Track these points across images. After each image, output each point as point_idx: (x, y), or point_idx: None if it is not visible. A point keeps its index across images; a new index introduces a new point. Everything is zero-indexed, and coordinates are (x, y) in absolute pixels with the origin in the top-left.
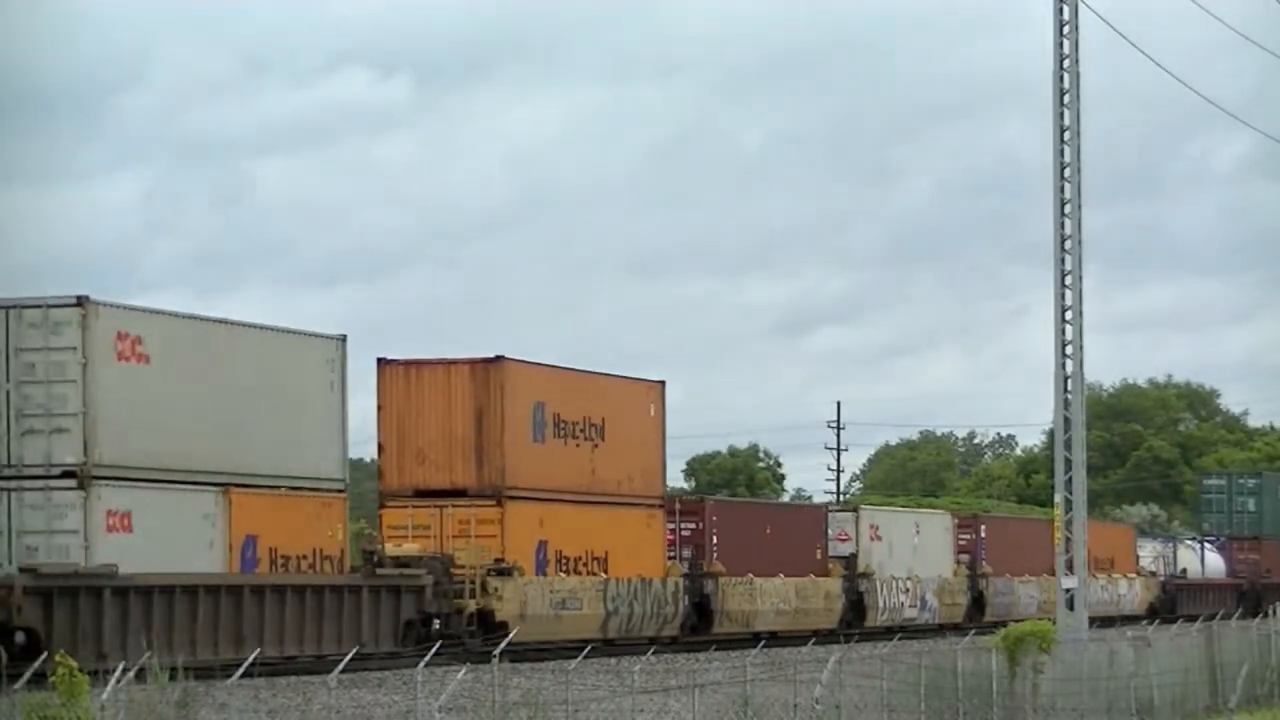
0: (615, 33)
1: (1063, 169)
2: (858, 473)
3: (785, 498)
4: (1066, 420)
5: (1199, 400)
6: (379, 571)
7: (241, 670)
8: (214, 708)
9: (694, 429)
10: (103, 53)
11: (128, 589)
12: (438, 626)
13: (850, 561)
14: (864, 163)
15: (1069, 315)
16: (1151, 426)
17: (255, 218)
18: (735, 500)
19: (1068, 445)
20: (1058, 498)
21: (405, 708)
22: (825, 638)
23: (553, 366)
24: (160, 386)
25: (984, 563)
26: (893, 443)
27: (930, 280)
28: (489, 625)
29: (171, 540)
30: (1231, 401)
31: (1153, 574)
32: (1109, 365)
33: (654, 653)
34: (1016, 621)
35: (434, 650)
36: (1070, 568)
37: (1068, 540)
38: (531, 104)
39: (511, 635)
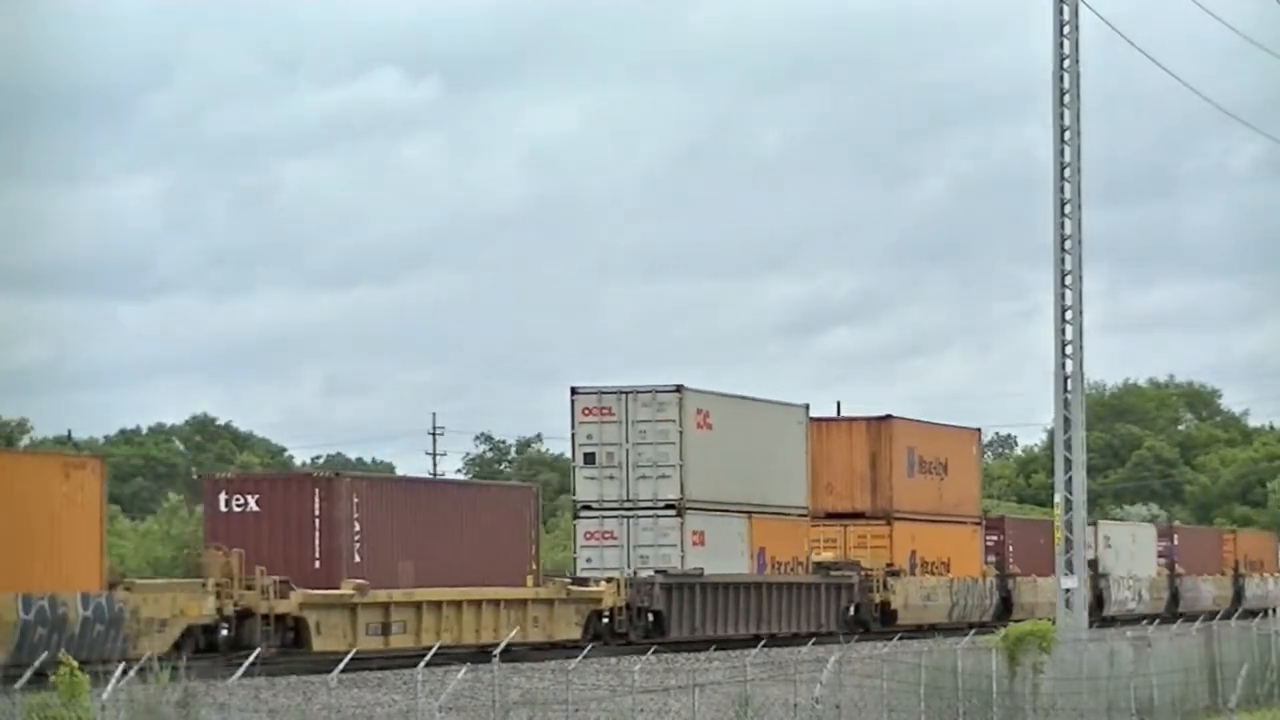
0: (636, 35)
1: (1063, 169)
2: None
3: None
4: (1066, 420)
5: (1199, 400)
6: (831, 573)
7: (242, 670)
8: (214, 707)
9: None
10: (131, 53)
11: (707, 585)
12: (853, 614)
13: (1093, 564)
14: (879, 164)
15: (1069, 315)
16: (1152, 427)
17: (276, 218)
18: (1021, 518)
19: (1068, 445)
20: (1058, 498)
21: (405, 707)
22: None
23: (918, 421)
24: (717, 446)
25: (1178, 565)
26: None
27: (942, 281)
28: (885, 613)
29: (724, 551)
30: (1234, 402)
31: None
32: (1116, 365)
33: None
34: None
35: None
36: (1070, 567)
37: (1068, 540)
38: (551, 105)
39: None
